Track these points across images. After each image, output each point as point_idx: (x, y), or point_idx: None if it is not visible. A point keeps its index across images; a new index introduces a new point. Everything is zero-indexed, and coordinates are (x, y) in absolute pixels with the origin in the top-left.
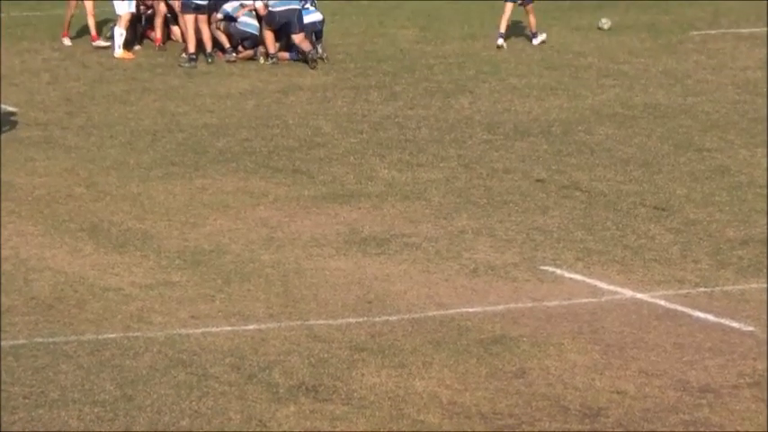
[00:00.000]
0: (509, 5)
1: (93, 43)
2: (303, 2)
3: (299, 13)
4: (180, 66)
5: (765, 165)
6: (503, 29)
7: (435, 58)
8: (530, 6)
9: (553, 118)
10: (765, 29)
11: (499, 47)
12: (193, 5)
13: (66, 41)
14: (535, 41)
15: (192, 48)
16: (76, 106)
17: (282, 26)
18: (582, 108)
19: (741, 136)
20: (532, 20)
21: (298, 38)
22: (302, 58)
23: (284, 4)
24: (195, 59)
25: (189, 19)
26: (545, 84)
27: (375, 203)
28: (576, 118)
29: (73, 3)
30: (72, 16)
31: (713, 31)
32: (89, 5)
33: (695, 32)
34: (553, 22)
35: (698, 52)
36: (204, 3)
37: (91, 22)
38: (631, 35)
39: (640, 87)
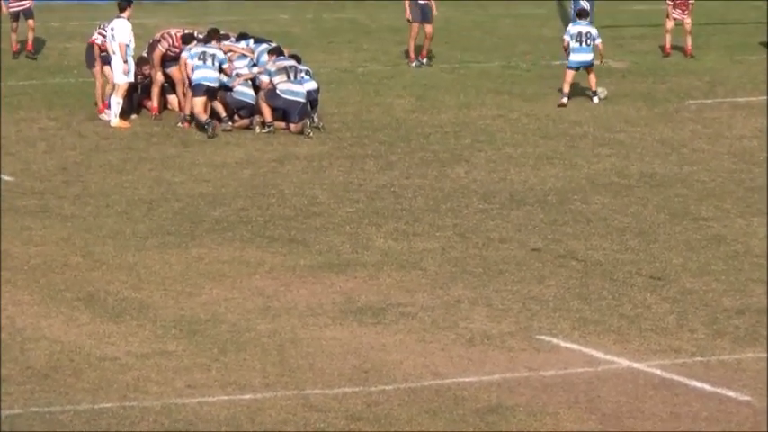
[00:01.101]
0: (570, 72)
1: (101, 114)
2: (300, 71)
3: (302, 106)
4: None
5: (762, 234)
6: (566, 90)
7: (431, 127)
8: (591, 68)
9: (549, 187)
10: (761, 98)
11: (562, 105)
12: (204, 88)
13: (104, 116)
14: (596, 100)
15: (204, 116)
16: (73, 175)
17: (282, 110)
18: (578, 177)
19: (737, 205)
20: (593, 78)
21: (295, 128)
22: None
23: (292, 94)
24: (210, 122)
25: (198, 102)
26: (541, 153)
27: (371, 273)
28: (571, 187)
29: (98, 72)
30: (103, 86)
31: (709, 101)
32: (98, 75)
33: (691, 101)
34: (549, 91)
35: (694, 121)
36: (215, 85)
37: (100, 93)
38: (627, 104)
39: (636, 156)
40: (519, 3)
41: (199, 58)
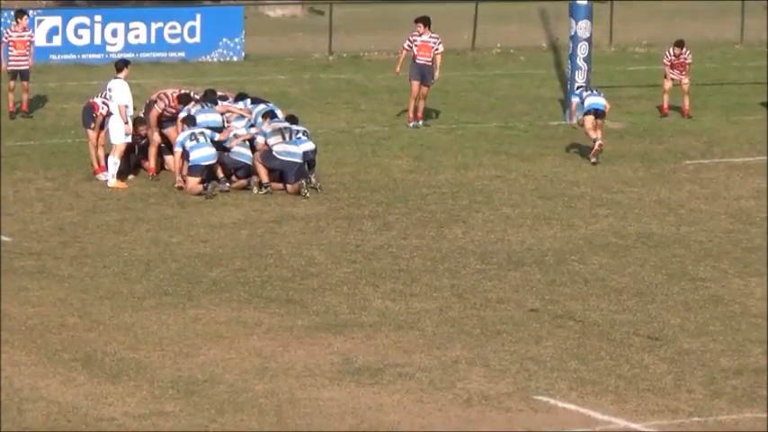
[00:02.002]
0: (589, 118)
1: (97, 176)
2: (296, 132)
3: (299, 167)
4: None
5: (759, 294)
6: (593, 135)
7: (429, 187)
8: (601, 122)
9: (546, 247)
10: (758, 158)
11: (598, 150)
12: (201, 168)
13: (101, 176)
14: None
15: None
16: (70, 236)
17: (279, 171)
18: (575, 238)
19: (735, 265)
20: (600, 133)
21: (292, 188)
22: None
23: (288, 155)
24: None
25: (193, 181)
26: (538, 213)
27: (368, 333)
28: (569, 247)
29: (94, 135)
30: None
31: (706, 161)
32: (93, 136)
33: (688, 162)
34: (546, 151)
35: (691, 182)
36: (213, 161)
37: (94, 153)
38: (625, 165)
39: (634, 217)
40: (516, 63)
41: (190, 140)
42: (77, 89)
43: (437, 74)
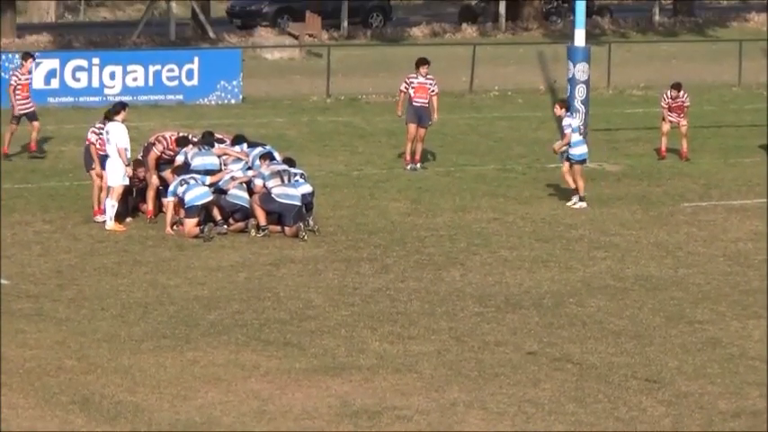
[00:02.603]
0: (578, 168)
1: (95, 218)
2: (294, 174)
3: (298, 209)
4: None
5: (757, 336)
6: (572, 185)
7: (426, 230)
8: (578, 167)
9: (544, 290)
10: (756, 200)
11: (581, 201)
12: (198, 208)
13: (99, 218)
14: (579, 204)
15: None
16: (67, 278)
17: (278, 214)
18: (573, 280)
19: (732, 308)
20: (581, 183)
21: (290, 231)
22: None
23: (287, 197)
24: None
25: (190, 222)
26: (536, 256)
27: (366, 376)
28: (567, 290)
29: (98, 177)
30: (101, 189)
31: (704, 203)
32: (96, 178)
33: (686, 204)
34: (544, 194)
35: (689, 224)
36: (209, 198)
37: (97, 195)
38: (623, 207)
39: (632, 259)
40: (514, 106)
41: (181, 185)
42: (75, 132)
43: (435, 116)
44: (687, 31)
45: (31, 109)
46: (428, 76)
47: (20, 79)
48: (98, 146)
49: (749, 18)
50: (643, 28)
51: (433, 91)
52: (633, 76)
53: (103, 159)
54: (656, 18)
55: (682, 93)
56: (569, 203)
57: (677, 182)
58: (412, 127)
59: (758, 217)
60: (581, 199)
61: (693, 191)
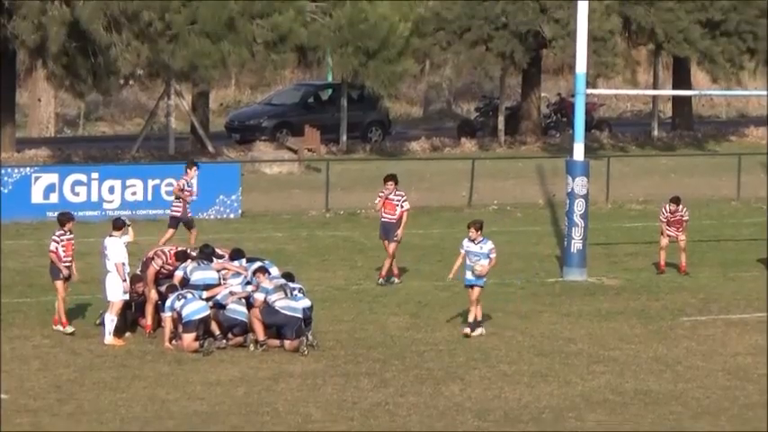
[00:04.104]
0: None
1: (55, 327)
2: (293, 289)
3: (299, 323)
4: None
5: None
6: (471, 318)
7: (426, 344)
8: (478, 291)
9: (543, 405)
10: (755, 315)
11: (467, 335)
12: (196, 323)
13: (69, 329)
14: (474, 331)
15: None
16: (66, 393)
17: (278, 327)
18: (572, 395)
19: (732, 422)
20: (479, 310)
21: (290, 345)
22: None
23: (291, 310)
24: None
25: (188, 337)
26: (535, 370)
27: None
28: (566, 405)
29: (61, 288)
30: (64, 301)
31: (703, 317)
32: (60, 288)
33: (685, 318)
34: (543, 309)
35: (688, 338)
36: (206, 313)
37: (60, 306)
38: (622, 321)
39: (631, 374)
40: (513, 220)
41: (178, 299)
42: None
43: (400, 231)
44: (686, 146)
45: (188, 216)
46: (397, 192)
47: (188, 184)
48: (61, 254)
49: (748, 132)
50: (642, 142)
51: (401, 207)
52: (632, 190)
53: (57, 272)
54: (655, 132)
55: (681, 207)
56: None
57: (676, 296)
58: (385, 244)
59: (758, 331)
60: (476, 324)
61: (692, 305)
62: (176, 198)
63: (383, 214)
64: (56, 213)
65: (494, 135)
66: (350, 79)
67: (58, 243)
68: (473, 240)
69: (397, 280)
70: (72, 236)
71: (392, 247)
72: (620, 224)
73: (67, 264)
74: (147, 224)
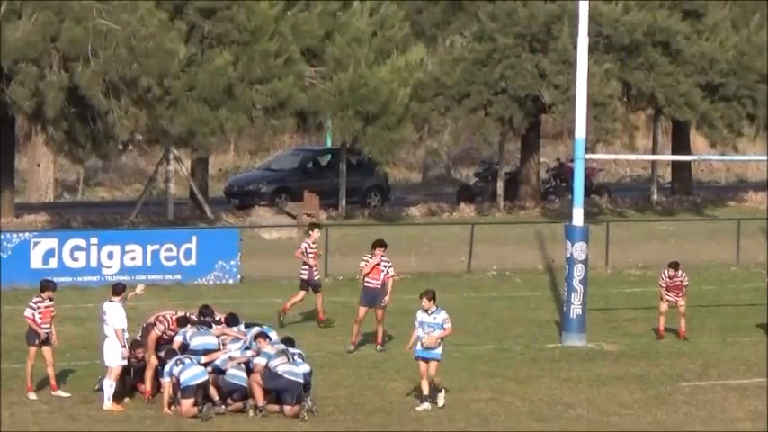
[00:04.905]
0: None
1: (54, 392)
2: (293, 354)
3: (300, 388)
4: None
5: None
6: (425, 390)
7: (424, 410)
8: (435, 366)
9: None
10: (755, 380)
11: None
12: (194, 388)
13: (32, 395)
14: (436, 400)
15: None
16: None
17: (277, 392)
18: None
19: None
20: (437, 380)
21: (290, 410)
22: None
23: (293, 375)
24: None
25: (186, 403)
26: None
27: None
28: None
29: (33, 353)
30: (33, 367)
31: (703, 383)
32: (48, 355)
33: (685, 384)
34: (542, 374)
35: (687, 404)
36: (204, 378)
37: (50, 372)
38: (621, 387)
39: None
40: (512, 285)
41: (176, 365)
42: (73, 312)
43: (387, 297)
44: (685, 211)
45: (315, 278)
46: (383, 258)
47: (310, 247)
48: (38, 321)
49: (747, 197)
50: (641, 207)
51: (387, 273)
52: (631, 255)
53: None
54: (655, 197)
55: (680, 272)
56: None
57: (675, 361)
58: (362, 310)
59: (757, 396)
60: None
61: (692, 370)
62: (303, 262)
63: (367, 279)
64: (55, 279)
65: (493, 200)
66: (349, 144)
67: (34, 310)
68: (426, 311)
69: (378, 348)
70: (51, 303)
71: (380, 313)
72: (620, 289)
73: (47, 329)
74: (147, 289)
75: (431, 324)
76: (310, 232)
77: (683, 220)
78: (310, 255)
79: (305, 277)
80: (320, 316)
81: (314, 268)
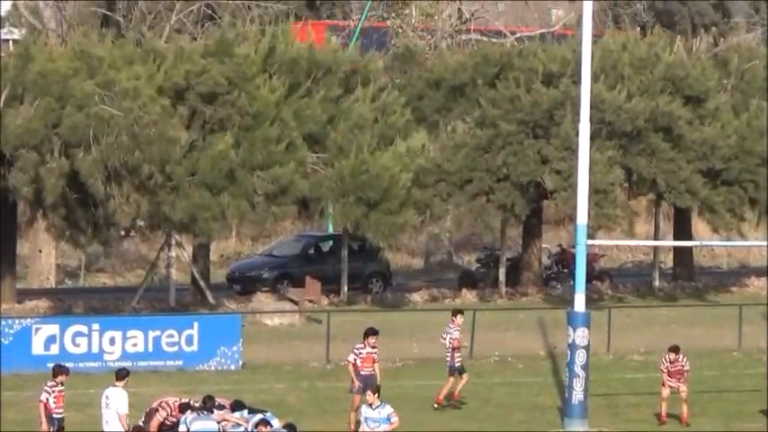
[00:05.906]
0: None
1: None
2: None
3: None
4: None
5: None
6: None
7: None
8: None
9: None
10: None
11: None
12: None
13: None
14: None
15: None
16: None
17: None
18: None
19: None
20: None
21: None
22: None
23: None
24: None
25: None
26: None
27: None
28: None
29: None
30: None
31: None
32: None
33: None
34: None
35: None
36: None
37: None
38: None
39: None
40: (514, 371)
41: None
42: (74, 398)
43: (379, 381)
44: (687, 296)
45: (458, 363)
46: (374, 346)
47: (453, 332)
48: (53, 405)
49: (749, 283)
50: (643, 293)
51: (376, 360)
52: (633, 340)
53: (52, 420)
54: (656, 283)
55: (681, 356)
56: None
57: None
58: (357, 398)
59: None
60: None
61: None
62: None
63: (362, 368)
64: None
65: (495, 286)
66: (351, 230)
67: (49, 394)
68: (371, 405)
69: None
70: (63, 388)
71: (375, 397)
72: (622, 375)
73: (59, 414)
74: (148, 375)
75: (375, 419)
76: (453, 318)
77: (684, 306)
78: (455, 340)
79: (458, 362)
80: (439, 398)
81: (457, 352)
